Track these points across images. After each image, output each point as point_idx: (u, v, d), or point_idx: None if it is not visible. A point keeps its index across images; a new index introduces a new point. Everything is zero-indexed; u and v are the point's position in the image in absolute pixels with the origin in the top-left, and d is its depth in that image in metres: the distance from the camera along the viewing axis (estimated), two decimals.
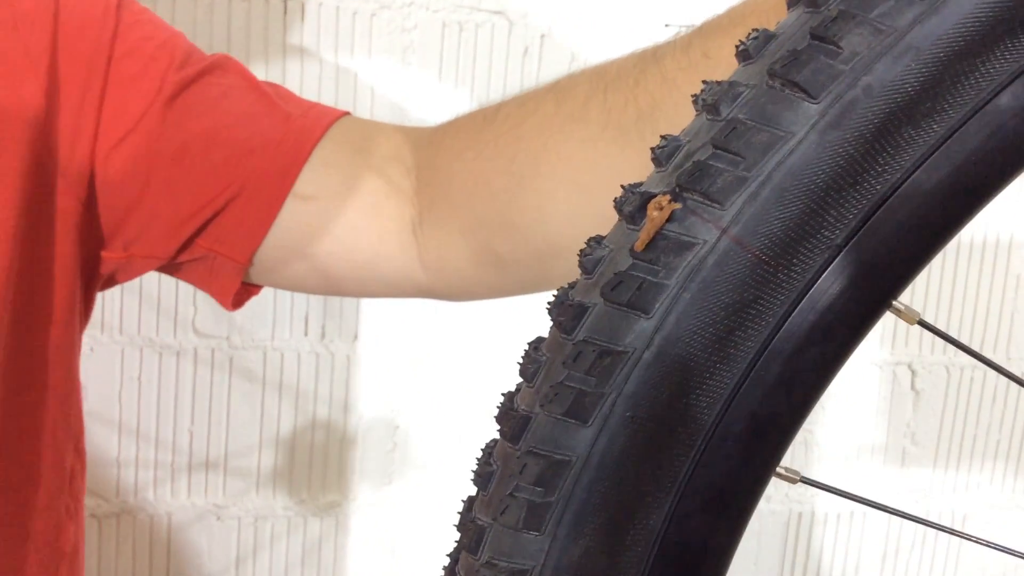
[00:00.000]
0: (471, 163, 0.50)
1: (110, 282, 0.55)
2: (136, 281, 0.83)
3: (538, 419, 0.25)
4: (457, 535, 0.28)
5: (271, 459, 0.89)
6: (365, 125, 0.57)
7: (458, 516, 0.29)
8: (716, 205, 0.23)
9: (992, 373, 1.02)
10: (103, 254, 0.52)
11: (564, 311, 0.25)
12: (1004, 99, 0.24)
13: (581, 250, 0.26)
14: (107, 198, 0.50)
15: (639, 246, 0.23)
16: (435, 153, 0.52)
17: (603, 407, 0.25)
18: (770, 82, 0.23)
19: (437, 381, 0.91)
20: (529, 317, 0.90)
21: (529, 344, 0.28)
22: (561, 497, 0.25)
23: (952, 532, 0.29)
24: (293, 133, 0.52)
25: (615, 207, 0.26)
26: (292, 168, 0.51)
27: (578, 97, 0.47)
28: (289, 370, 0.88)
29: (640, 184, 0.26)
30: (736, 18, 0.42)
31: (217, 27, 0.81)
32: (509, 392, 0.28)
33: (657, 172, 0.25)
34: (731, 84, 0.23)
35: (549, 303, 0.27)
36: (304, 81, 0.83)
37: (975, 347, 1.00)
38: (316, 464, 0.90)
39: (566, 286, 0.27)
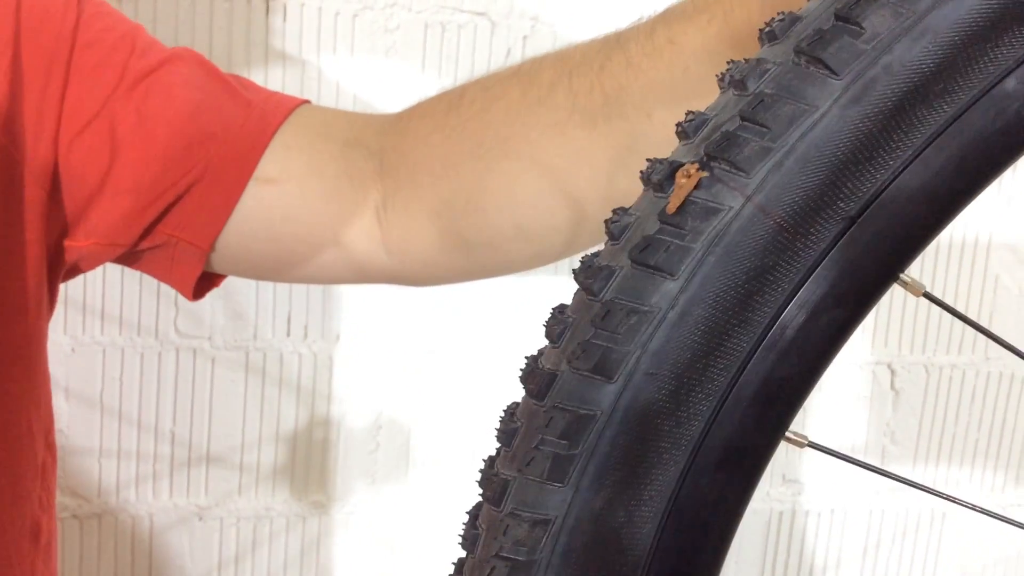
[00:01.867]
0: (437, 147, 0.51)
1: (73, 271, 0.55)
2: (117, 281, 0.83)
3: (564, 376, 0.27)
4: (479, 491, 0.30)
5: (255, 459, 0.89)
6: (326, 111, 0.58)
7: (479, 474, 0.30)
8: (742, 173, 0.24)
9: (971, 372, 1.04)
10: (66, 243, 0.53)
11: (592, 274, 0.27)
12: (1010, 84, 0.25)
13: (607, 219, 0.28)
14: (70, 187, 0.51)
15: (671, 208, 0.25)
16: (400, 138, 0.53)
17: (628, 364, 0.26)
18: (796, 59, 0.24)
19: (419, 380, 0.92)
20: (513, 317, 0.91)
21: (553, 309, 0.29)
22: (585, 450, 0.26)
23: (968, 506, 0.31)
24: (254, 118, 0.53)
25: (641, 178, 0.28)
26: (253, 152, 0.52)
27: (543, 82, 0.48)
28: (273, 369, 0.88)
29: (667, 157, 0.27)
30: (700, 5, 0.43)
31: (199, 27, 0.81)
32: (532, 355, 0.29)
33: (683, 144, 0.27)
34: (759, 61, 0.25)
35: (575, 269, 0.28)
36: (286, 81, 0.83)
37: (954, 346, 1.03)
38: (299, 465, 0.91)
39: (590, 253, 0.28)
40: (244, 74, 0.82)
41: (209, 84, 0.54)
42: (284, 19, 0.83)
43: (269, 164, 0.52)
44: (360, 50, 0.84)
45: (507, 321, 0.90)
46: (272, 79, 0.83)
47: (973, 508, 0.30)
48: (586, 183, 0.46)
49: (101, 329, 0.84)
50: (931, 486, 1.07)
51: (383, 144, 0.53)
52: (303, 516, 0.91)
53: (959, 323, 1.02)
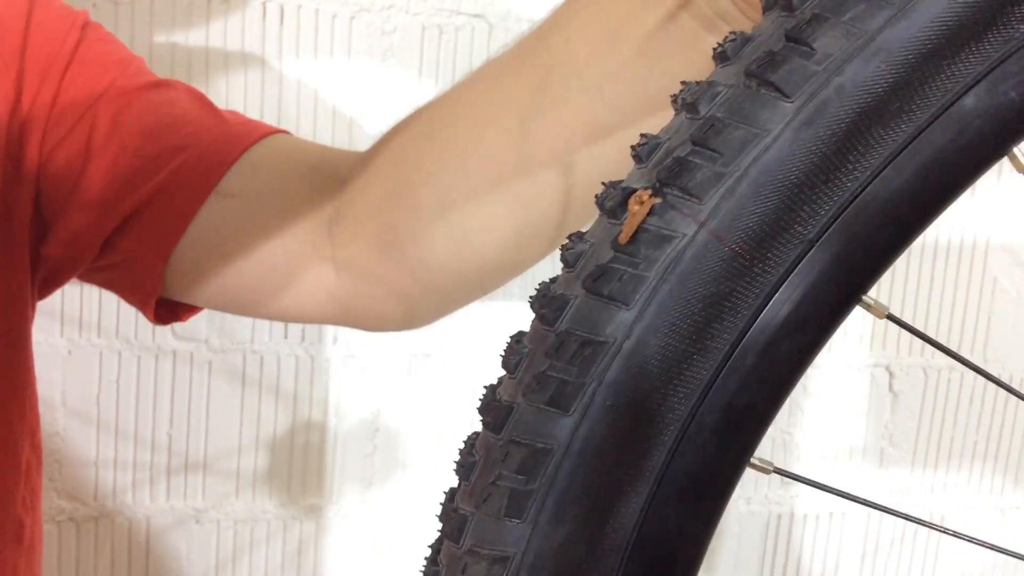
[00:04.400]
0: (396, 153, 0.51)
1: (50, 281, 0.55)
2: None
3: (520, 409, 0.26)
4: (439, 526, 0.29)
5: (251, 462, 0.89)
6: (302, 140, 0.58)
7: (439, 507, 0.29)
8: (695, 200, 0.24)
9: (969, 375, 1.03)
10: (43, 251, 0.53)
11: (547, 303, 0.26)
12: (969, 100, 0.24)
13: (563, 245, 0.27)
14: (48, 194, 0.51)
15: (623, 238, 0.24)
16: (368, 155, 0.53)
17: (584, 396, 0.25)
18: (747, 82, 0.24)
19: (416, 384, 0.92)
20: (506, 320, 0.91)
21: (511, 337, 0.28)
22: (542, 485, 0.26)
23: (928, 525, 0.30)
24: (226, 136, 0.53)
25: (596, 203, 0.27)
26: (219, 167, 0.52)
27: (488, 75, 0.47)
28: (269, 373, 0.88)
29: (621, 181, 0.26)
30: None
31: (195, 30, 0.81)
32: (491, 384, 0.29)
33: (638, 168, 0.26)
34: (710, 84, 0.24)
35: (531, 297, 0.28)
36: (283, 84, 0.83)
37: (952, 348, 1.02)
38: (296, 467, 0.91)
39: (547, 280, 0.28)
40: (241, 77, 0.82)
41: (192, 104, 0.54)
42: (281, 22, 0.82)
43: (233, 181, 0.52)
44: (357, 53, 0.84)
45: (503, 325, 0.90)
46: (269, 82, 0.83)
47: (967, 539, 0.29)
48: (514, 163, 0.45)
49: (98, 332, 0.84)
50: (930, 488, 1.05)
51: (354, 172, 0.53)
52: (299, 519, 0.91)
53: (957, 325, 1.01)
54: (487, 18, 0.86)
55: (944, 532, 0.31)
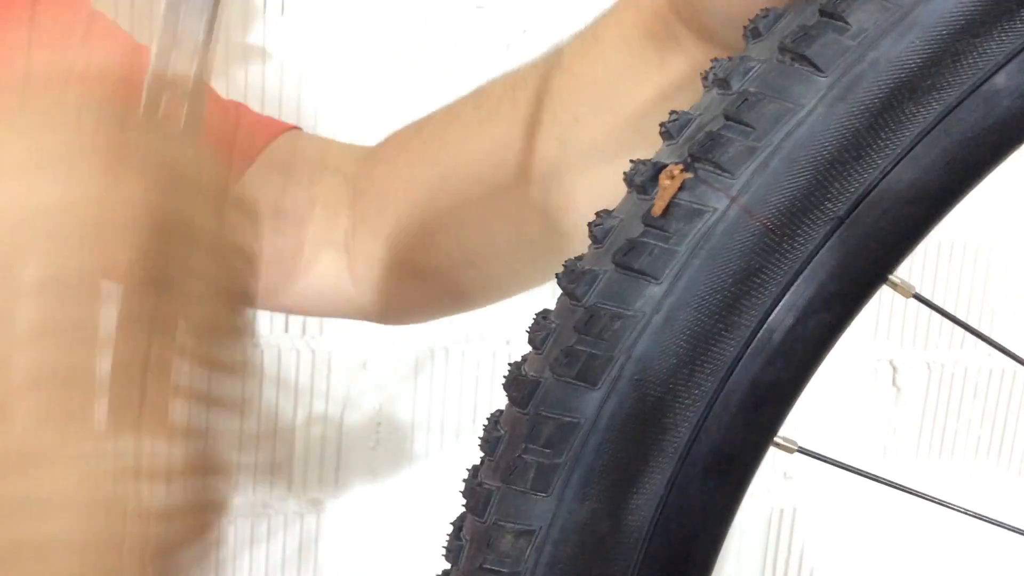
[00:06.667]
0: (402, 170, 0.51)
1: None
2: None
3: (547, 383, 0.26)
4: (462, 502, 0.29)
5: (251, 457, 0.89)
6: (311, 139, 0.58)
7: (463, 483, 0.29)
8: (727, 174, 0.24)
9: (973, 369, 1.03)
10: None
11: (575, 278, 0.26)
12: (1000, 79, 0.24)
13: (591, 222, 0.27)
14: None
15: (656, 211, 0.24)
16: (373, 165, 0.53)
17: (612, 371, 0.25)
18: (780, 56, 0.24)
19: (419, 376, 0.92)
20: (515, 314, 0.91)
21: (537, 314, 0.28)
22: (569, 459, 0.26)
23: (947, 505, 0.30)
24: (240, 140, 0.53)
25: (625, 180, 0.27)
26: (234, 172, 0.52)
27: (492, 98, 0.48)
28: (270, 366, 0.88)
29: (649, 158, 0.26)
30: (619, 2, 0.42)
31: None
32: (516, 361, 0.29)
33: (667, 144, 0.26)
34: (742, 59, 0.24)
35: (558, 274, 0.28)
36: (284, 76, 0.83)
37: (956, 343, 1.02)
38: (297, 461, 0.90)
39: (574, 258, 0.28)
40: (240, 70, 0.81)
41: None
42: (282, 12, 0.82)
43: (247, 186, 0.52)
44: (359, 44, 0.84)
45: (508, 317, 0.90)
46: (270, 74, 0.83)
47: (967, 513, 0.29)
48: (523, 198, 0.46)
49: None
50: (933, 483, 1.06)
51: (358, 171, 0.54)
52: (301, 513, 0.91)
53: (961, 319, 1.01)
54: (488, 9, 0.86)
55: (968, 515, 0.31)
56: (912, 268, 1.00)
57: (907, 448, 1.04)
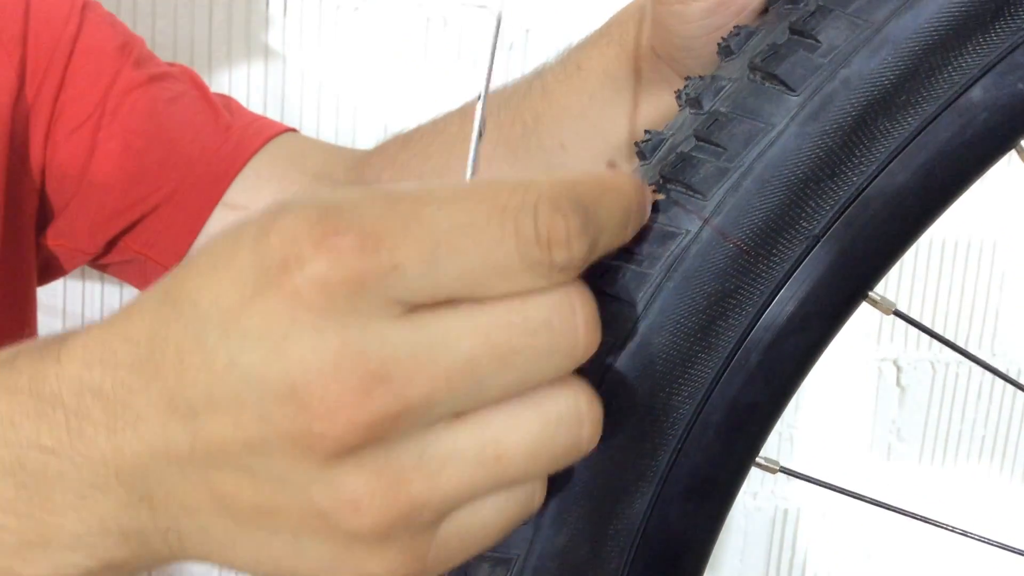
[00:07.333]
0: (387, 183, 0.51)
1: (45, 273, 0.56)
2: (118, 280, 0.83)
3: None
4: None
5: None
6: (304, 142, 0.58)
7: None
8: (699, 195, 0.23)
9: (977, 369, 1.02)
10: (39, 241, 0.54)
11: None
12: (976, 92, 0.24)
13: None
14: (51, 187, 0.52)
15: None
16: (361, 173, 0.54)
17: None
18: (751, 76, 0.23)
19: None
20: None
21: None
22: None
23: (928, 521, 0.30)
24: (231, 143, 0.53)
25: None
26: (225, 177, 0.53)
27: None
28: None
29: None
30: (603, 31, 0.43)
31: (199, 20, 0.81)
32: None
33: (641, 165, 0.25)
34: (713, 78, 0.24)
35: None
36: (286, 75, 0.83)
37: (960, 343, 1.01)
38: None
39: None
40: (242, 71, 0.81)
41: (196, 104, 0.54)
42: (284, 13, 0.82)
43: (239, 191, 0.53)
44: (361, 44, 0.84)
45: None
46: (272, 74, 0.82)
47: (955, 531, 0.29)
48: None
49: None
50: (937, 483, 1.05)
51: (349, 179, 0.54)
52: None
53: (965, 319, 1.01)
54: (492, 9, 0.86)
55: (943, 528, 0.31)
56: (915, 268, 1.00)
57: (912, 448, 1.03)
